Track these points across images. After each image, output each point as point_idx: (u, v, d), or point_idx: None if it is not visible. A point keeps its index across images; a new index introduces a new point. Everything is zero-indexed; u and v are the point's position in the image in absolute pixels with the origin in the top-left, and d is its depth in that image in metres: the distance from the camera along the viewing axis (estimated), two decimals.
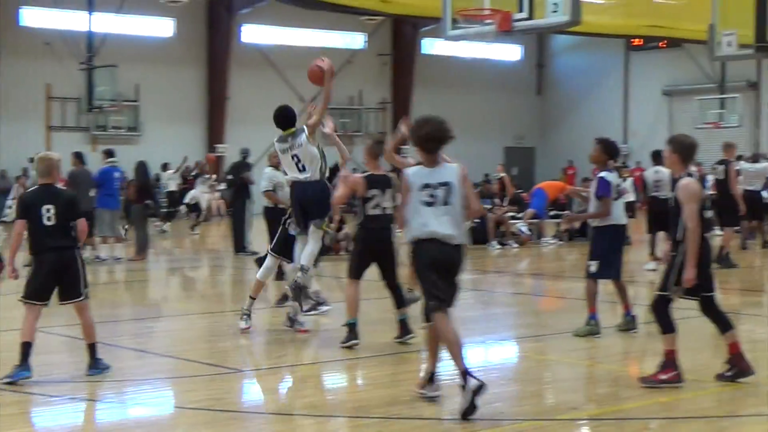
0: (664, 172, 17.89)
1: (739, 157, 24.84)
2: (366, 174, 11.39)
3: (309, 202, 11.84)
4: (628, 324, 11.83)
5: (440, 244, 8.31)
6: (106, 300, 15.14)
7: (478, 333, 12.48)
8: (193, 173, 36.83)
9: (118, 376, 9.76)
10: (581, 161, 42.23)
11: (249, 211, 22.65)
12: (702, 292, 9.18)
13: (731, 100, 39.16)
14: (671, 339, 9.08)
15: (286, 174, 12.58)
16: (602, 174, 11.67)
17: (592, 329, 11.65)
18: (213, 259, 23.72)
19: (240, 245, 22.58)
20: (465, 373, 8.08)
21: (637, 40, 45.34)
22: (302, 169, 11.84)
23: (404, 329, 11.34)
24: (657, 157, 18.32)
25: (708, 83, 42.80)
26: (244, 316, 12.26)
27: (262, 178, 18.23)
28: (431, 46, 47.67)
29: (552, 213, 26.55)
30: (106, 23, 33.39)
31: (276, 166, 17.23)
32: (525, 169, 48.05)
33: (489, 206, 25.40)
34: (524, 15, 14.28)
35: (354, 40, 46.12)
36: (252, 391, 9.67)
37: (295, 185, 12.05)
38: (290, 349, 11.57)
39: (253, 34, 43.24)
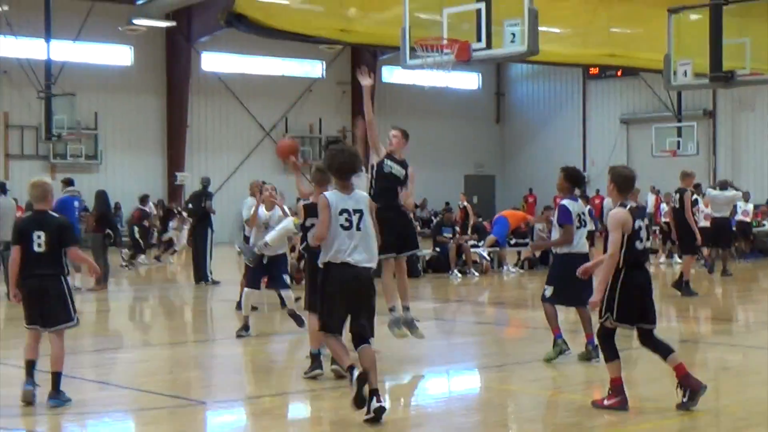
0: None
1: (698, 186, 25.27)
2: (306, 203, 11.44)
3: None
4: (590, 353, 11.82)
5: (353, 269, 8.80)
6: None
7: (440, 363, 12.50)
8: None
9: (79, 409, 9.68)
10: (541, 189, 42.65)
11: (210, 241, 22.56)
12: (640, 322, 9.33)
13: (688, 129, 39.52)
14: (615, 366, 9.28)
15: None
16: (563, 201, 11.79)
17: (560, 348, 11.77)
18: (174, 289, 23.60)
19: (201, 275, 22.49)
20: (351, 368, 8.78)
21: (594, 69, 45.70)
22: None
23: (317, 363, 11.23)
24: None
25: (665, 112, 43.22)
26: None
27: (243, 207, 18.23)
28: (391, 74, 47.86)
29: (513, 242, 26.65)
30: (64, 51, 33.23)
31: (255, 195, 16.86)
32: (485, 197, 48.21)
33: (450, 235, 25.42)
34: (482, 45, 14.36)
35: (313, 69, 46.21)
36: (215, 424, 9.60)
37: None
38: (254, 380, 11.53)
39: (212, 62, 43.22)
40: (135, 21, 36.71)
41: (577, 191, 11.99)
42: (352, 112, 47.13)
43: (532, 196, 46.16)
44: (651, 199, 39.52)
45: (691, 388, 9.26)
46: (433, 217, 41.38)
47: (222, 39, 41.66)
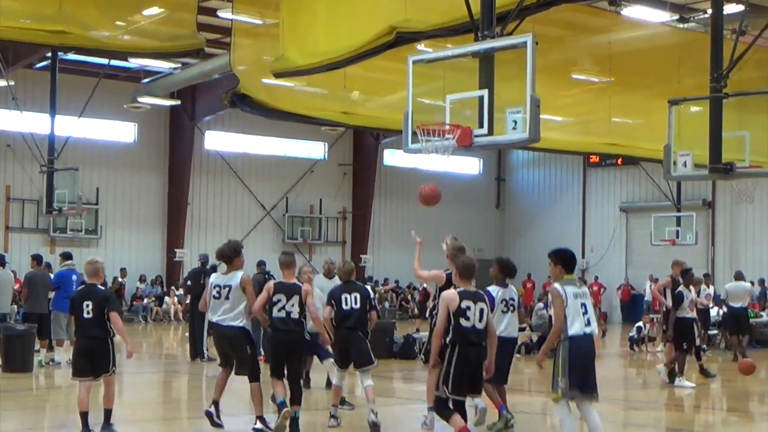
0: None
1: (707, 275, 26.45)
2: (276, 281, 12.70)
3: None
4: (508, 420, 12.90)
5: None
6: (59, 404, 14.96)
7: None
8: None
9: None
10: (540, 274, 42.60)
11: (207, 318, 22.46)
12: (470, 393, 10.74)
13: (687, 219, 39.60)
14: (456, 419, 10.43)
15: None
16: (489, 288, 12.98)
17: (506, 418, 12.77)
18: (169, 365, 23.50)
19: (197, 351, 22.44)
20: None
21: (594, 157, 45.94)
22: None
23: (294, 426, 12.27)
24: None
25: (664, 201, 43.32)
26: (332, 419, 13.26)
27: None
28: (392, 157, 48.11)
29: None
30: (68, 126, 33.44)
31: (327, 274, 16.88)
32: (484, 281, 48.05)
33: None
34: (484, 131, 14.45)
35: (315, 150, 46.47)
36: None
37: None
38: None
39: (215, 141, 43.47)
40: (139, 99, 37.05)
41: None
42: (352, 194, 47.35)
43: (530, 281, 46.15)
44: (648, 288, 39.57)
45: None
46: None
47: (225, 119, 42.01)
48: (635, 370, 24.66)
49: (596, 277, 47.57)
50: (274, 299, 12.28)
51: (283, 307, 12.23)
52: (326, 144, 46.29)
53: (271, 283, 12.66)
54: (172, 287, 40.06)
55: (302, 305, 12.27)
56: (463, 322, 10.41)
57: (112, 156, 40.72)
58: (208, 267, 23.85)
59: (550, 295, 10.67)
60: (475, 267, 10.95)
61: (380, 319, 31.83)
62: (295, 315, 12.24)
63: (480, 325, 10.50)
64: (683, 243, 38.60)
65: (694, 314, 19.86)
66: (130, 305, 39.48)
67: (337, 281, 15.21)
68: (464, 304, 10.47)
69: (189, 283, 24.21)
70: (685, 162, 18.67)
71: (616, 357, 28.30)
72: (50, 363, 20.76)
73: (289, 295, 12.26)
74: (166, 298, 39.96)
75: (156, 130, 42.08)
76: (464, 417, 10.63)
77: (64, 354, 21.13)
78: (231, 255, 12.90)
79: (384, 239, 47.82)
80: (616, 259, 47.44)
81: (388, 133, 41.95)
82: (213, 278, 12.99)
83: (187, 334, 24.98)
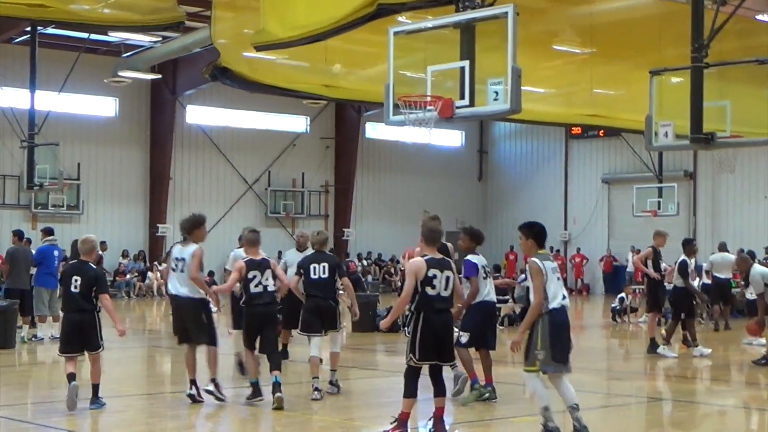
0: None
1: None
2: (246, 259, 13.03)
3: None
4: (491, 394, 13.00)
5: None
6: (42, 380, 14.97)
7: (418, 418, 12.45)
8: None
9: None
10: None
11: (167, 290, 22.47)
12: (438, 360, 10.57)
13: (669, 189, 39.71)
14: (409, 403, 10.51)
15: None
16: (468, 257, 13.05)
17: (480, 392, 12.91)
18: (152, 340, 23.49)
19: None
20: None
21: (576, 128, 45.95)
22: None
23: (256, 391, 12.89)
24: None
25: (646, 172, 43.43)
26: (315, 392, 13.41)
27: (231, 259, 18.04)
28: (374, 130, 48.07)
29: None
30: (48, 102, 33.29)
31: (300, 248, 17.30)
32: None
33: None
34: (466, 102, 14.44)
35: (297, 123, 46.39)
36: None
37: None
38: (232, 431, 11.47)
39: (196, 115, 43.34)
40: (120, 73, 36.84)
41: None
42: (335, 167, 47.30)
43: (513, 253, 46.25)
44: (630, 259, 39.67)
45: (435, 428, 10.56)
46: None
47: (207, 92, 41.84)
48: (618, 340, 24.78)
49: (578, 249, 47.71)
50: (249, 276, 12.79)
51: (260, 282, 12.80)
52: (308, 117, 46.21)
53: (241, 262, 13.00)
54: (155, 262, 40.00)
55: (275, 277, 12.96)
56: (429, 290, 10.39)
57: (93, 131, 40.58)
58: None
59: (528, 270, 10.59)
60: (440, 233, 10.89)
61: (363, 292, 31.93)
62: (271, 287, 12.88)
63: (445, 293, 10.49)
64: (665, 214, 38.73)
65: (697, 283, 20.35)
66: (113, 280, 39.41)
67: (309, 253, 15.54)
68: (431, 272, 10.42)
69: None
70: (666, 132, 18.71)
71: (598, 328, 28.44)
72: (33, 339, 20.74)
73: (262, 270, 12.85)
74: (149, 273, 39.93)
75: (137, 104, 41.94)
76: (442, 387, 10.70)
77: (47, 330, 21.11)
78: (189, 227, 13.29)
79: (367, 212, 47.83)
80: (598, 231, 47.56)
81: (370, 106, 41.79)
82: (173, 251, 13.47)
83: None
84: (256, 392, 12.92)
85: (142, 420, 12.31)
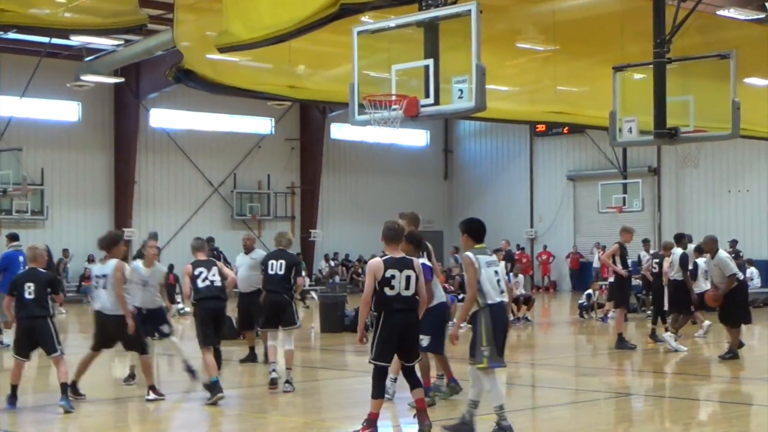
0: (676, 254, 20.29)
1: (646, 241, 26.41)
2: (193, 261, 13.95)
3: None
4: (454, 389, 13.04)
5: None
6: (6, 386, 14.79)
7: (388, 417, 12.46)
8: None
9: None
10: (489, 244, 42.85)
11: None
12: (400, 359, 10.69)
13: (633, 185, 39.91)
14: (377, 404, 10.49)
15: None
16: (422, 261, 12.27)
17: (454, 389, 13.03)
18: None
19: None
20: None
21: (540, 126, 46.07)
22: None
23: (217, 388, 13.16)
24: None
25: (611, 168, 43.69)
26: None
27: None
28: (339, 130, 48.05)
29: (461, 296, 26.67)
30: (10, 106, 33.08)
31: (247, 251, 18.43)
32: (433, 252, 48.16)
33: None
34: (431, 101, 14.45)
35: (262, 125, 46.30)
36: None
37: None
38: None
39: (160, 118, 43.16)
40: (82, 77, 36.62)
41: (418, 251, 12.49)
42: (300, 168, 47.25)
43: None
44: (596, 255, 39.82)
45: (420, 420, 10.53)
46: None
47: (170, 95, 41.67)
48: (585, 336, 24.89)
49: (545, 246, 47.89)
50: (196, 272, 13.71)
51: (206, 277, 13.67)
52: (273, 119, 46.14)
53: (188, 265, 13.91)
54: None
55: (221, 274, 13.85)
56: (387, 290, 10.42)
57: (56, 135, 40.35)
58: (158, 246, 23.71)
59: (462, 264, 10.84)
60: (400, 231, 10.93)
61: (330, 292, 31.90)
62: (217, 283, 13.72)
63: (407, 292, 10.47)
64: (630, 210, 38.94)
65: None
66: (79, 285, 39.19)
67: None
68: (389, 272, 10.44)
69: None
70: (630, 128, 18.77)
71: (566, 324, 28.54)
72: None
73: (208, 267, 13.81)
74: None
75: (100, 108, 41.72)
76: (416, 380, 10.74)
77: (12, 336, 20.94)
78: (107, 245, 14.02)
79: (333, 213, 47.82)
80: (564, 228, 47.74)
81: (335, 107, 41.71)
82: (93, 269, 14.27)
83: None
84: (217, 390, 13.14)
85: (110, 424, 12.25)
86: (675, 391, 15.39)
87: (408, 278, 10.49)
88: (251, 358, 17.85)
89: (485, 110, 14.34)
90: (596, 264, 38.78)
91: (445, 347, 12.84)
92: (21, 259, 21.28)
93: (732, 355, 18.07)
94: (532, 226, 48.82)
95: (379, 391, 10.50)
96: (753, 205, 41.83)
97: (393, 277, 10.42)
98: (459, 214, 51.04)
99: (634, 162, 43.63)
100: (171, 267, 29.12)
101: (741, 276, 19.00)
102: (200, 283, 13.64)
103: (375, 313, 10.60)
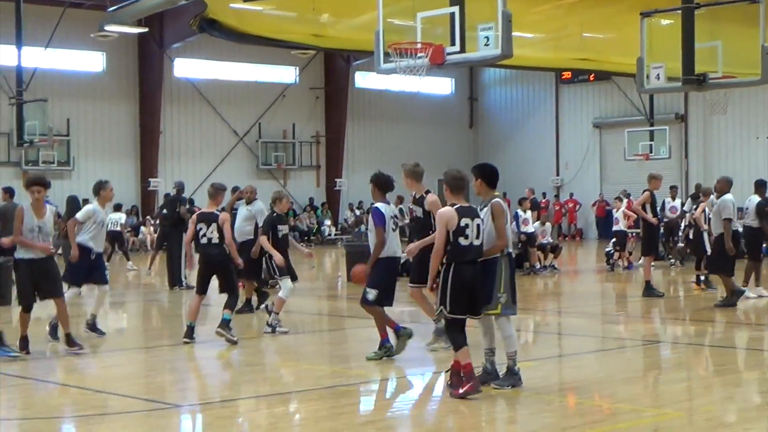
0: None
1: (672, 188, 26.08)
2: (199, 212, 14.66)
3: None
4: (389, 350, 12.35)
5: None
6: (38, 335, 14.92)
7: (416, 365, 12.49)
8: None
9: (52, 413, 9.63)
10: (514, 193, 42.78)
11: (184, 246, 22.52)
12: (469, 313, 10.10)
13: (660, 133, 39.62)
14: (465, 353, 9.97)
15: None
16: (377, 204, 12.22)
17: (387, 348, 12.38)
18: (148, 294, 23.49)
19: (176, 280, 22.44)
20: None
21: (566, 73, 45.80)
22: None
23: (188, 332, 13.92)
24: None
25: (637, 116, 43.37)
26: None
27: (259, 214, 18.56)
28: (364, 79, 47.86)
29: None
30: (35, 58, 33.06)
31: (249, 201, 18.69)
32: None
33: None
34: (456, 48, 14.36)
35: (286, 74, 46.16)
36: (189, 427, 9.57)
37: None
38: (228, 383, 11.50)
39: (184, 68, 43.10)
40: (106, 27, 36.49)
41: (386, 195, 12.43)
42: (325, 117, 47.15)
43: (506, 200, 46.18)
44: (623, 205, 39.66)
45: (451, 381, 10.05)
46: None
47: (195, 45, 41.57)
48: (612, 284, 24.85)
49: (571, 194, 47.74)
50: (198, 227, 14.19)
51: (205, 234, 14.11)
52: (297, 68, 45.97)
53: (194, 216, 14.54)
54: (148, 217, 39.95)
55: (220, 231, 14.05)
56: (461, 240, 9.98)
57: (81, 86, 40.38)
58: (183, 195, 23.81)
59: (492, 210, 10.32)
60: (464, 179, 10.43)
61: (356, 241, 31.90)
62: (215, 240, 14.07)
63: (477, 242, 10.06)
64: (657, 157, 38.68)
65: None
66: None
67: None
68: (463, 221, 10.00)
69: (164, 211, 24.10)
70: (657, 75, 18.62)
71: (592, 272, 28.50)
72: None
73: (208, 223, 14.13)
74: (142, 228, 39.87)
75: (125, 58, 41.70)
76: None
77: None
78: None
79: (358, 162, 47.73)
80: (590, 176, 47.54)
81: (359, 55, 41.64)
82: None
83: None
84: (189, 334, 13.97)
85: (141, 373, 12.34)
86: (704, 338, 15.36)
87: (478, 227, 10.12)
88: (248, 308, 17.78)
89: (511, 57, 14.27)
90: (617, 214, 38.51)
91: (390, 301, 12.37)
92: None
93: (728, 303, 17.85)
94: (558, 174, 48.65)
95: (460, 342, 10.05)
96: None
97: (467, 226, 10.02)
98: (484, 162, 50.90)
99: (661, 109, 43.29)
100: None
101: (737, 225, 18.66)
102: (200, 239, 14.18)
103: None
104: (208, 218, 14.23)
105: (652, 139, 39.32)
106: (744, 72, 18.90)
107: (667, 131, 39.63)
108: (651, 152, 38.94)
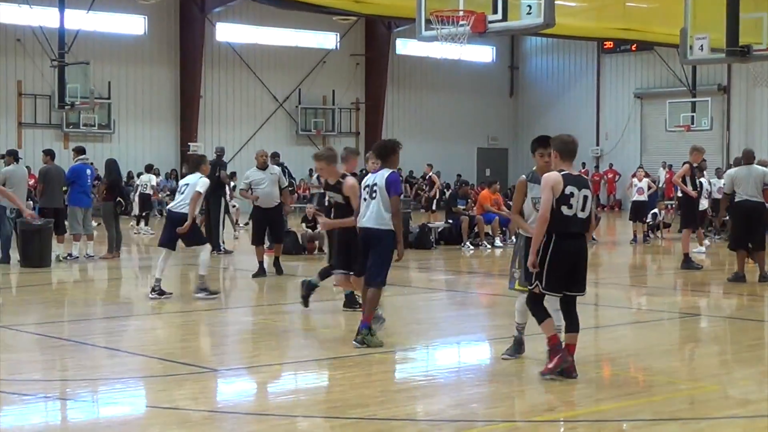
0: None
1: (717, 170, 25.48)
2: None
3: None
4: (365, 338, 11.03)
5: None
6: (78, 298, 15.12)
7: (451, 333, 12.52)
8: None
9: (90, 375, 9.72)
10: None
11: (224, 211, 22.68)
12: (567, 290, 9.42)
13: (702, 104, 39.30)
14: (548, 326, 9.44)
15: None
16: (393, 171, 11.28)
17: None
18: (186, 258, 23.58)
19: (214, 244, 22.54)
20: None
21: (608, 43, 45.50)
22: None
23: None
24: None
25: (679, 86, 43.03)
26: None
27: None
28: (404, 46, 47.71)
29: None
30: (77, 20, 33.17)
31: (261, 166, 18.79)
32: (498, 170, 48.14)
33: (464, 207, 25.47)
34: (498, 17, 14.28)
35: (327, 40, 46.09)
36: (226, 391, 9.63)
37: None
38: (265, 348, 11.55)
39: (226, 32, 43.13)
40: None
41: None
42: (365, 84, 47.07)
43: None
44: (663, 174, 39.45)
45: (557, 362, 9.35)
46: (445, 190, 41.35)
47: (236, 10, 41.61)
48: (650, 256, 24.72)
49: (611, 165, 47.50)
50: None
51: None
52: (338, 34, 45.90)
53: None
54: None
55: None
56: (565, 210, 9.25)
57: (122, 49, 40.51)
58: (224, 159, 23.90)
59: (545, 182, 9.30)
60: (576, 143, 9.66)
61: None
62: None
63: (583, 214, 9.33)
64: (698, 128, 38.41)
65: None
66: None
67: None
68: (568, 189, 9.26)
69: None
70: (701, 45, 18.46)
71: (631, 243, 28.34)
72: (68, 258, 20.88)
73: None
74: None
75: (166, 22, 41.77)
76: (575, 322, 9.62)
77: (82, 248, 21.28)
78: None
79: (397, 129, 47.66)
80: (630, 146, 47.27)
81: (401, 22, 41.53)
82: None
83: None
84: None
85: (177, 337, 12.42)
86: (741, 311, 15.28)
87: (585, 198, 9.37)
88: (278, 271, 18.15)
89: (553, 26, 14.18)
90: (662, 183, 38.33)
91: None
92: (88, 172, 21.55)
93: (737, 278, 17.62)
94: (598, 144, 48.40)
95: (542, 314, 9.47)
96: None
97: (572, 195, 9.27)
98: (524, 131, 50.75)
99: (703, 80, 42.94)
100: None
101: (740, 197, 17.59)
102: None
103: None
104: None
105: (693, 111, 39.03)
106: None
107: (709, 103, 39.31)
108: (692, 123, 38.68)
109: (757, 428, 8.05)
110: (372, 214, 10.96)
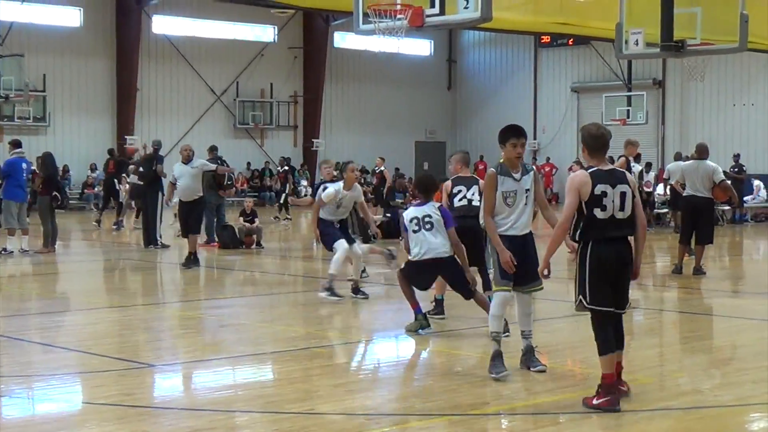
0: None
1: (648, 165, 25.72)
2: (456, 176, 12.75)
3: None
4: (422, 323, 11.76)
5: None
6: (13, 293, 14.93)
7: (391, 328, 12.54)
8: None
9: (25, 371, 9.62)
10: (492, 156, 42.83)
11: (161, 205, 22.52)
12: (614, 305, 8.33)
13: (637, 98, 39.71)
14: (606, 362, 8.31)
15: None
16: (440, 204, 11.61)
17: (421, 323, 11.74)
18: (122, 252, 23.43)
19: (151, 238, 22.39)
20: None
21: (545, 37, 45.79)
22: None
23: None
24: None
25: (615, 81, 43.43)
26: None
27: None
28: (343, 39, 47.68)
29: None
30: (12, 12, 32.80)
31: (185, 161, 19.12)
32: (436, 163, 48.27)
33: (402, 200, 25.54)
34: (436, 11, 14.33)
35: (265, 33, 45.93)
36: (163, 386, 9.56)
37: None
38: (202, 343, 11.50)
39: (163, 25, 42.83)
40: None
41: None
42: (303, 77, 46.99)
43: (482, 162, 46.20)
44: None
45: (604, 404, 8.17)
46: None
47: (173, 2, 41.37)
48: None
49: (548, 158, 47.81)
50: (456, 189, 12.53)
51: (464, 196, 12.49)
52: (276, 27, 45.75)
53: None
54: (123, 174, 39.62)
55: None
56: (598, 213, 8.12)
57: (58, 41, 40.08)
58: (160, 153, 23.74)
59: (570, 183, 8.27)
60: (606, 136, 8.41)
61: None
62: (475, 202, 12.30)
63: (622, 214, 8.15)
64: (634, 122, 38.81)
65: None
66: (81, 193, 39.24)
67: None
68: (599, 188, 8.11)
69: (141, 169, 24.03)
70: (636, 40, 18.64)
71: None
72: (2, 252, 20.64)
73: (468, 186, 12.57)
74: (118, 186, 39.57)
75: (102, 14, 41.39)
76: (620, 339, 8.44)
77: (16, 243, 21.03)
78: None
79: (336, 123, 47.68)
80: (567, 140, 47.61)
81: (339, 15, 41.48)
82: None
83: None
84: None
85: (114, 332, 12.32)
86: (675, 304, 15.45)
87: (623, 195, 8.16)
88: (195, 262, 18.59)
89: (491, 20, 14.24)
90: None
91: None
92: (24, 166, 21.31)
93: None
94: (535, 138, 48.68)
95: (607, 345, 8.22)
96: (757, 119, 41.70)
97: (604, 194, 8.11)
98: (462, 124, 50.97)
99: (639, 74, 43.38)
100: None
101: (687, 192, 17.82)
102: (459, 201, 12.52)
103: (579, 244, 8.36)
104: (468, 182, 12.54)
105: (629, 105, 39.42)
106: (722, 39, 18.94)
107: (644, 97, 39.75)
108: (628, 117, 39.05)
109: (691, 419, 8.15)
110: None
